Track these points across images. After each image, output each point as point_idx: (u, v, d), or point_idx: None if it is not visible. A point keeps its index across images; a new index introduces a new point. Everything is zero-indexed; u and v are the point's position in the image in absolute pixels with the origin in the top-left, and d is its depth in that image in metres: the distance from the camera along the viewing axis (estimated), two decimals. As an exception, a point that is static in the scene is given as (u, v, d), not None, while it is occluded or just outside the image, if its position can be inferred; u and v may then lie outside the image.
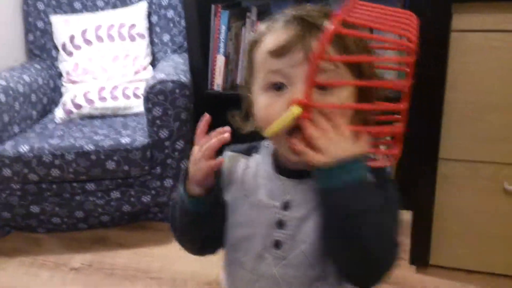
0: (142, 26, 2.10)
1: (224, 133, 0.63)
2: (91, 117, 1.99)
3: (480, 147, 1.40)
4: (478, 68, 1.35)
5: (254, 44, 0.64)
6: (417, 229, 1.52)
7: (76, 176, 1.72)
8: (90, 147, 1.70)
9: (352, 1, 0.61)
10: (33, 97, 1.99)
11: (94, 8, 2.19)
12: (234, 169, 0.71)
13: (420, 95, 1.49)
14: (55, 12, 2.18)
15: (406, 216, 1.74)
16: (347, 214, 0.56)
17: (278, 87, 0.60)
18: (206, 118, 0.66)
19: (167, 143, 1.74)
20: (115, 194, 1.77)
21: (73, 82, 2.04)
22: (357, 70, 0.61)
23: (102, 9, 2.18)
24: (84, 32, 2.07)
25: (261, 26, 0.64)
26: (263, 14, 2.03)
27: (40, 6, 2.18)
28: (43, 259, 1.72)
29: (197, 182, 0.65)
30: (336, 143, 0.56)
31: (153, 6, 2.16)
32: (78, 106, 1.97)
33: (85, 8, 2.19)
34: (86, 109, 1.98)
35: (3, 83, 1.83)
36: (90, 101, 1.97)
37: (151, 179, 1.78)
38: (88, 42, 2.06)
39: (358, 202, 0.56)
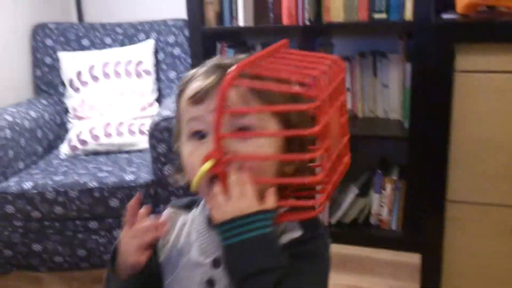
0: (148, 63, 2.12)
1: (159, 227, 0.62)
2: (96, 153, 1.99)
3: (488, 188, 1.38)
4: (483, 108, 1.35)
5: (179, 93, 0.64)
6: (426, 272, 1.49)
7: (79, 213, 1.70)
8: (93, 184, 1.69)
9: (273, 50, 0.61)
10: (39, 133, 2.00)
11: (102, 45, 2.22)
12: (172, 228, 0.69)
13: (426, 135, 1.49)
14: (63, 49, 2.21)
15: (414, 259, 1.72)
16: (239, 275, 0.54)
17: (201, 135, 0.60)
18: (137, 196, 0.65)
19: (171, 181, 1.73)
20: (118, 233, 1.75)
21: (79, 118, 2.05)
22: (284, 117, 0.59)
23: (110, 46, 2.21)
24: (91, 69, 2.10)
25: (185, 77, 0.65)
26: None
27: (49, 42, 2.22)
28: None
29: (125, 270, 0.63)
30: (234, 201, 0.55)
31: (160, 44, 2.19)
32: (83, 142, 1.98)
33: (93, 45, 2.23)
34: (92, 145, 1.98)
35: (10, 118, 1.85)
36: (95, 137, 1.98)
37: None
38: (95, 78, 2.09)
39: (250, 263, 0.54)
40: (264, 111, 0.58)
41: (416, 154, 1.77)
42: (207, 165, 0.55)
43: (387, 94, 1.95)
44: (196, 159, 0.58)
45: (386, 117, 1.97)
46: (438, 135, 1.42)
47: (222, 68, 0.59)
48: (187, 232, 0.68)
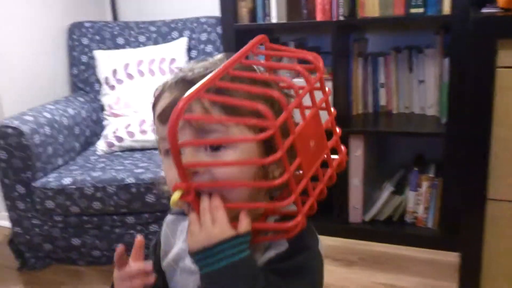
0: (182, 60, 2.14)
1: (147, 275, 0.63)
2: (132, 149, 2.03)
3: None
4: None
5: (153, 107, 0.62)
6: (465, 272, 1.46)
7: (116, 209, 1.74)
8: (131, 180, 1.72)
9: (243, 54, 0.56)
10: (77, 130, 2.04)
11: (136, 43, 2.25)
12: (172, 235, 0.70)
13: (465, 132, 1.45)
14: (99, 47, 2.25)
15: (452, 258, 1.69)
16: None
17: None
18: (121, 246, 0.66)
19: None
20: (154, 228, 1.78)
21: (115, 115, 2.09)
22: (258, 127, 0.55)
23: (144, 44, 2.24)
24: (126, 67, 2.13)
25: (156, 89, 0.62)
26: (300, 48, 2.04)
27: (85, 41, 2.27)
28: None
29: None
30: (206, 229, 0.53)
31: (193, 41, 2.21)
32: (119, 139, 2.02)
33: (128, 44, 2.26)
34: (127, 142, 2.02)
35: (49, 116, 1.90)
36: (131, 134, 2.01)
37: (189, 212, 1.78)
38: (130, 76, 2.12)
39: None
40: (211, 122, 0.55)
41: (454, 151, 1.73)
42: (176, 195, 0.53)
43: (423, 89, 1.91)
44: (170, 178, 0.57)
45: (422, 113, 1.93)
46: (479, 132, 1.38)
47: (187, 83, 0.56)
48: (184, 239, 0.68)
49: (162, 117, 0.57)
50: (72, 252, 1.84)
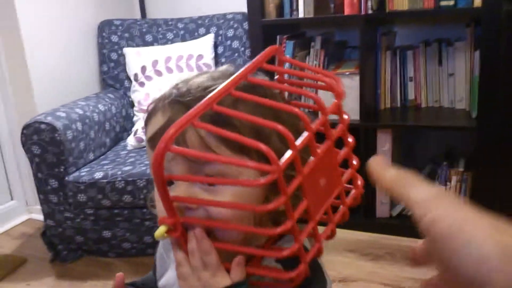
0: (208, 56, 2.17)
1: None
2: (160, 144, 2.06)
3: None
4: None
5: (145, 124, 0.55)
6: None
7: (146, 202, 1.77)
8: (160, 174, 1.74)
9: (250, 69, 0.47)
10: (107, 125, 2.09)
11: (164, 40, 2.29)
12: (167, 255, 0.66)
13: (496, 125, 1.43)
14: (128, 45, 2.29)
15: None
16: None
17: (169, 182, 0.50)
18: (120, 274, 0.63)
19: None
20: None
21: (144, 111, 2.12)
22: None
23: (172, 41, 2.27)
24: (155, 64, 2.17)
25: (150, 104, 0.56)
26: (327, 43, 2.04)
27: (114, 38, 2.31)
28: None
29: None
30: (197, 274, 0.48)
31: (219, 38, 2.22)
32: (148, 134, 2.05)
33: (156, 41, 2.30)
34: (156, 137, 2.05)
35: (80, 112, 1.94)
36: (159, 129, 2.04)
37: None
38: (158, 73, 2.15)
39: None
40: (202, 158, 0.48)
41: (484, 145, 1.70)
42: (161, 230, 0.46)
43: (452, 83, 1.88)
44: (159, 207, 0.49)
45: (452, 107, 1.91)
46: (510, 125, 1.36)
47: (182, 105, 0.50)
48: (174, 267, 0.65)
49: (152, 143, 0.52)
50: (103, 244, 1.89)
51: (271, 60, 0.49)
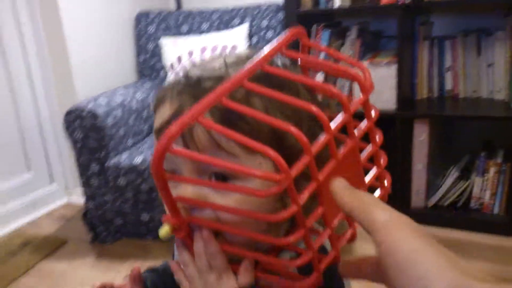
0: (243, 47, 2.19)
1: None
2: (196, 132, 2.10)
3: None
4: None
5: (154, 112, 0.51)
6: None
7: (183, 187, 1.81)
8: (197, 160, 1.78)
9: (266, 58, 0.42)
10: (145, 114, 2.14)
11: (199, 31, 2.32)
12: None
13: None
14: (164, 35, 2.34)
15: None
16: None
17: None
18: (136, 267, 0.61)
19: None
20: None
21: (180, 99, 2.16)
22: (276, 144, 0.42)
23: (207, 32, 2.31)
24: (190, 54, 2.20)
25: (158, 92, 0.51)
26: (363, 32, 2.04)
27: (151, 29, 2.36)
28: (152, 265, 1.81)
29: None
30: (204, 278, 0.46)
31: (254, 28, 2.25)
32: (184, 122, 2.09)
33: (191, 31, 2.33)
34: (192, 125, 2.08)
35: (120, 99, 2.00)
36: (195, 117, 2.08)
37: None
38: (194, 62, 2.19)
39: None
40: (204, 161, 0.43)
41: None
42: (165, 229, 0.43)
43: (491, 73, 1.87)
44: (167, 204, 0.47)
45: (490, 98, 1.89)
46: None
47: (191, 96, 0.45)
48: None
49: (158, 136, 0.48)
50: (141, 227, 1.94)
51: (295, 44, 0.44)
